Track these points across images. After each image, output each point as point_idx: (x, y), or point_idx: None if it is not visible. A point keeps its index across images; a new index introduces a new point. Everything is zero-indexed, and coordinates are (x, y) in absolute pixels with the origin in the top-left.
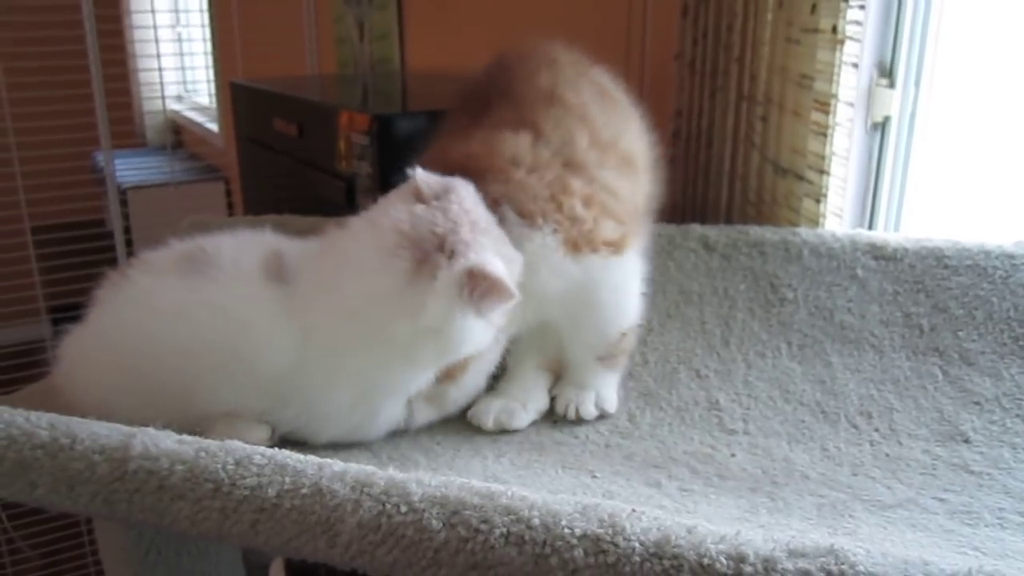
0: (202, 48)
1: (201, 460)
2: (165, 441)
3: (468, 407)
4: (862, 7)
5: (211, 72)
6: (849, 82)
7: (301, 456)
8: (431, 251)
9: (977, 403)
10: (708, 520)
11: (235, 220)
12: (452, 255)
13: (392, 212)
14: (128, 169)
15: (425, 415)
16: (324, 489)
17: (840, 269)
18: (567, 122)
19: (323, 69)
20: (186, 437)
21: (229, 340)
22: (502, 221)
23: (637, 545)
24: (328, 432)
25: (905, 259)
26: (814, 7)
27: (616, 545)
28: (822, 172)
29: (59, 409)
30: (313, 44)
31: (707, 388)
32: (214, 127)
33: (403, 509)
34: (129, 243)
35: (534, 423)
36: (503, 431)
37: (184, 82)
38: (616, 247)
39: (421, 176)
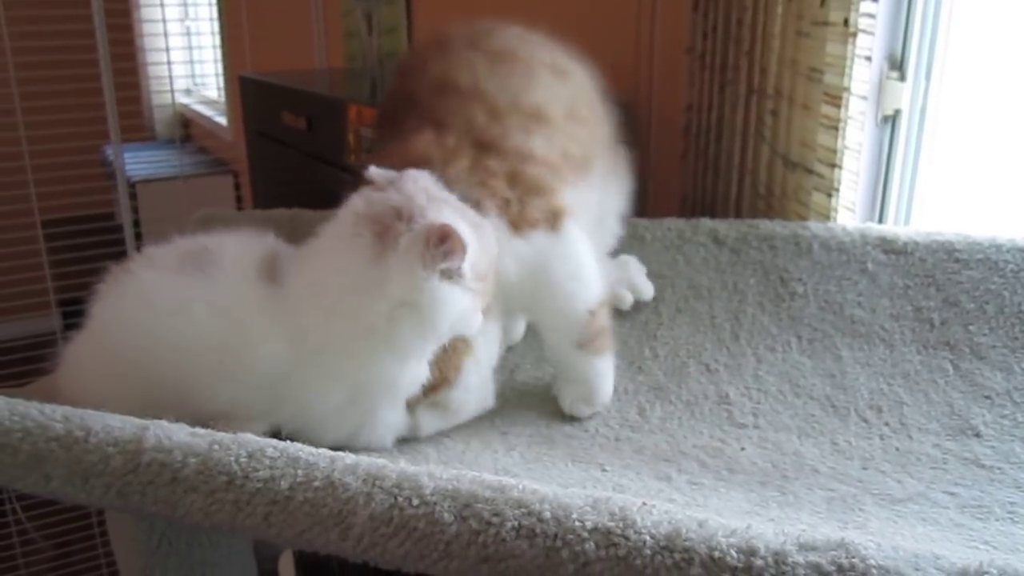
0: (211, 42)
1: (214, 453)
2: (178, 434)
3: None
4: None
5: (220, 66)
6: (860, 75)
7: (313, 449)
8: (390, 223)
9: (988, 397)
10: (718, 514)
11: (246, 214)
12: (410, 220)
13: (350, 203)
14: (137, 163)
15: (431, 423)
16: (336, 482)
17: (850, 263)
18: (461, 105)
19: (331, 63)
20: (199, 430)
21: (225, 340)
22: None
23: (648, 538)
24: (327, 436)
25: (916, 253)
26: (824, 0)
27: (627, 538)
28: (833, 166)
29: (65, 404)
30: (321, 38)
31: (717, 382)
32: (223, 121)
33: (415, 502)
34: (139, 236)
35: (543, 416)
36: (514, 424)
37: (193, 76)
38: (551, 220)
39: (373, 170)
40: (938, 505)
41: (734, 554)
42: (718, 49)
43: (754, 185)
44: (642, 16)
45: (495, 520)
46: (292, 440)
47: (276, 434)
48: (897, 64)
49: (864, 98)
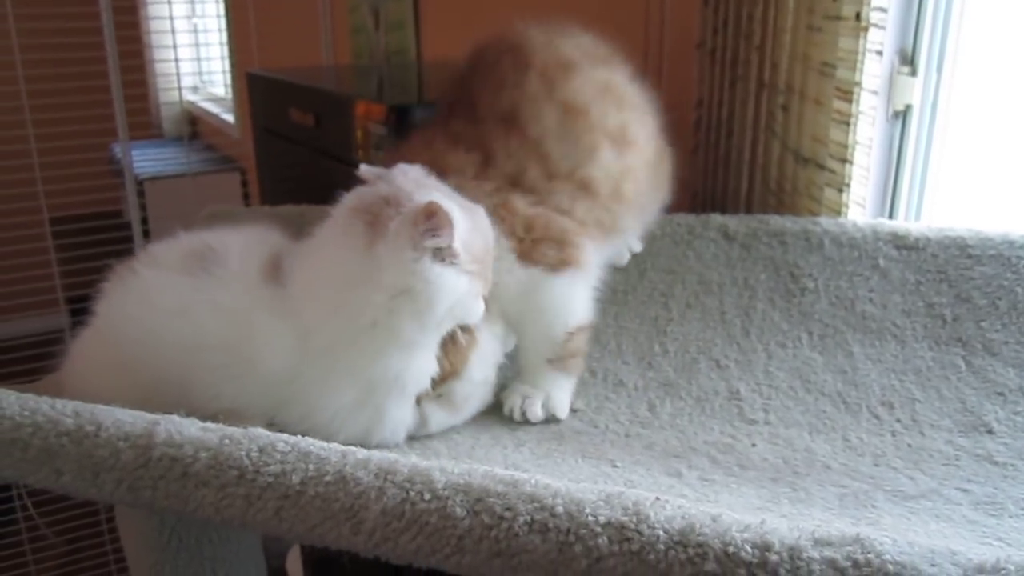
0: (218, 39)
1: (225, 447)
2: (189, 428)
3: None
4: None
5: (227, 63)
6: (871, 70)
7: (324, 444)
8: (380, 211)
9: (1001, 394)
10: (730, 510)
11: (254, 210)
12: (398, 206)
13: (343, 200)
14: (145, 160)
15: (439, 418)
16: (348, 476)
17: (862, 259)
18: (520, 151)
19: (338, 59)
20: (210, 425)
21: (230, 340)
22: None
23: (661, 533)
24: (338, 435)
25: (928, 248)
26: None
27: (640, 533)
28: (844, 161)
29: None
30: (328, 34)
31: (727, 378)
32: (230, 118)
33: (427, 496)
34: (147, 234)
35: None
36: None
37: (200, 73)
38: (556, 266)
39: (363, 168)
40: (951, 502)
41: (748, 549)
42: (729, 44)
43: (765, 180)
44: (652, 11)
45: (507, 515)
46: None
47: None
48: (908, 59)
49: (875, 93)
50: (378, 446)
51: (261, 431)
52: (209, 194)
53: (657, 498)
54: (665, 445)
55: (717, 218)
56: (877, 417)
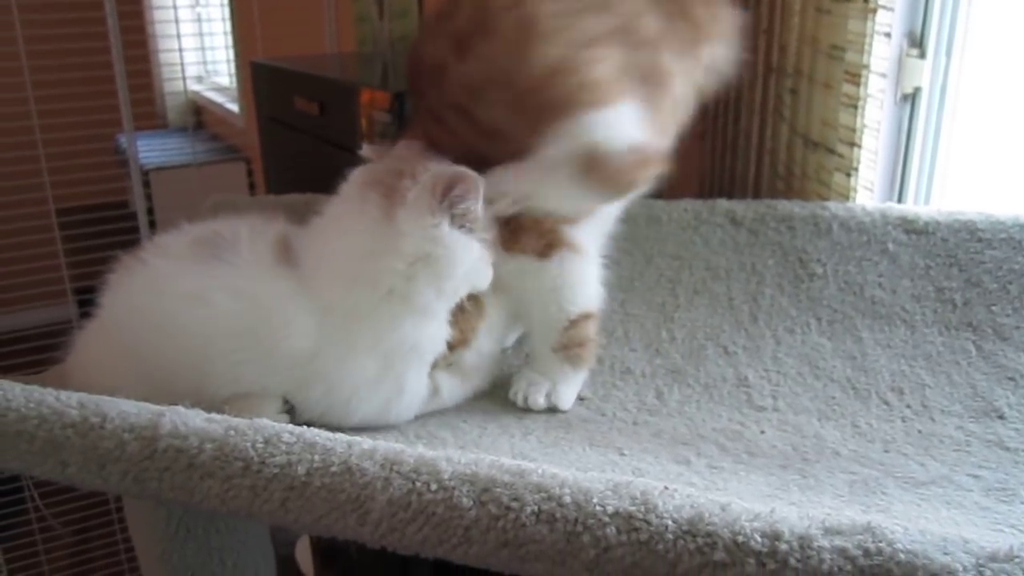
0: (222, 28)
1: (230, 438)
2: (194, 420)
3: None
4: None
5: (231, 52)
6: (879, 52)
7: (330, 434)
8: (395, 182)
9: (1012, 379)
10: (739, 498)
11: (260, 199)
12: (414, 176)
13: (350, 177)
14: (150, 151)
15: (451, 388)
16: (354, 467)
17: (871, 243)
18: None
19: (343, 47)
20: (215, 416)
21: (249, 325)
22: None
23: (670, 523)
24: (357, 412)
25: (937, 233)
26: None
27: (649, 523)
28: (853, 145)
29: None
30: (332, 22)
31: (735, 365)
32: (234, 107)
33: (433, 487)
34: (153, 224)
35: None
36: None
37: (204, 63)
38: (540, 252)
39: (367, 147)
40: (962, 488)
41: (758, 538)
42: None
43: (772, 165)
44: None
45: (515, 505)
46: (309, 426)
47: (291, 419)
48: (917, 41)
49: (884, 76)
50: (395, 420)
51: (266, 422)
52: (215, 184)
53: (665, 487)
54: (673, 433)
55: (724, 203)
56: (887, 403)
